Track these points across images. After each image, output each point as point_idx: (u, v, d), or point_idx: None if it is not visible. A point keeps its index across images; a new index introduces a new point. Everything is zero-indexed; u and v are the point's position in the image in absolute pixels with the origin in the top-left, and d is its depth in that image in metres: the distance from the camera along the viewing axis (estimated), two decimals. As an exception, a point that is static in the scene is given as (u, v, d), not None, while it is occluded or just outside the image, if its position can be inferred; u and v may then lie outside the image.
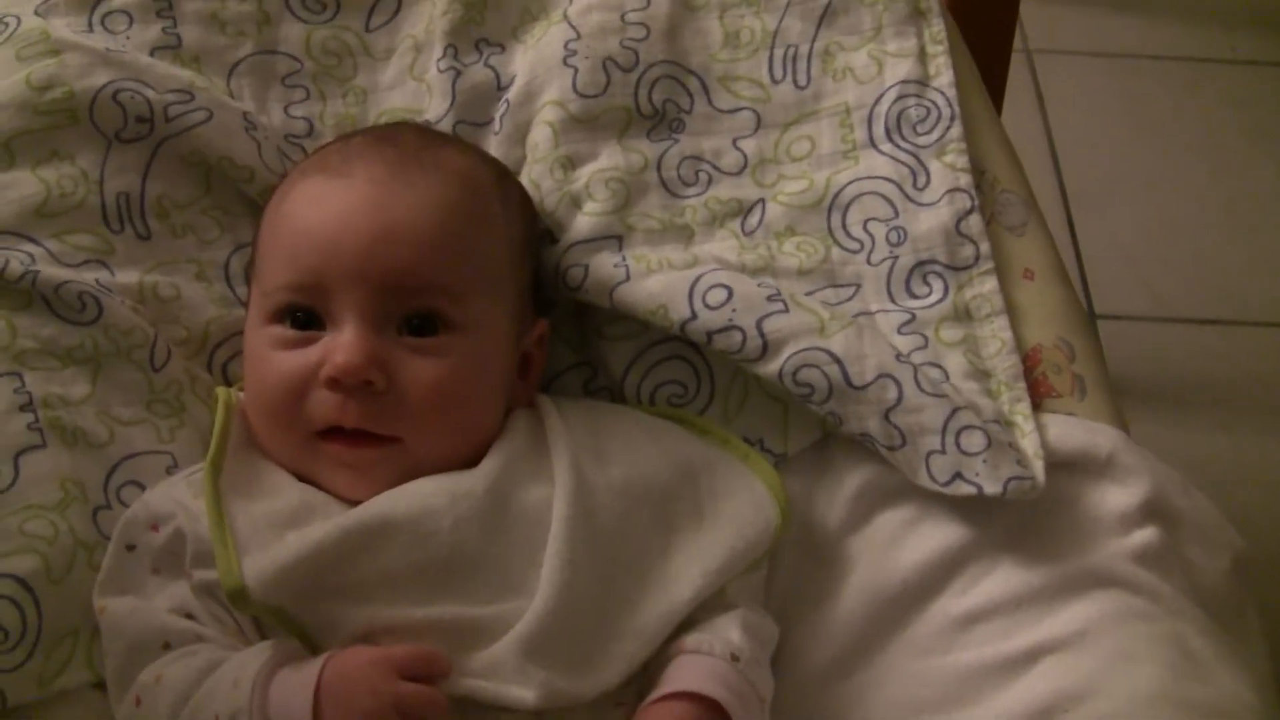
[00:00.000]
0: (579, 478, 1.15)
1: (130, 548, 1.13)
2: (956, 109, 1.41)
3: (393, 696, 1.01)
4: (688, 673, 1.10)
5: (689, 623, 1.15)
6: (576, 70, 1.41)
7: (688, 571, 1.15)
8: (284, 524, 1.11)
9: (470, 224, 1.22)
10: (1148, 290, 2.70)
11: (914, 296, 1.33)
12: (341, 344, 1.14)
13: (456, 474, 1.15)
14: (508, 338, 1.24)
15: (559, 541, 1.11)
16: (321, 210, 1.19)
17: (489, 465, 1.16)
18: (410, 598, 1.09)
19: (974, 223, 1.35)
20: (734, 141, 1.43)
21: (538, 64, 1.44)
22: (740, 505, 1.21)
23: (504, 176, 1.33)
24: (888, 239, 1.35)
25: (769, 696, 1.14)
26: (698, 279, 1.27)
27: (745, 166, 1.42)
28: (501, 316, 1.23)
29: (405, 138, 1.28)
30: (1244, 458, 2.46)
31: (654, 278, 1.29)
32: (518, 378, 1.26)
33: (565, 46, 1.43)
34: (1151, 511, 1.22)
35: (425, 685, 1.03)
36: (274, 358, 1.17)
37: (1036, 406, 1.28)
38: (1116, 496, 1.23)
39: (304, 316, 1.17)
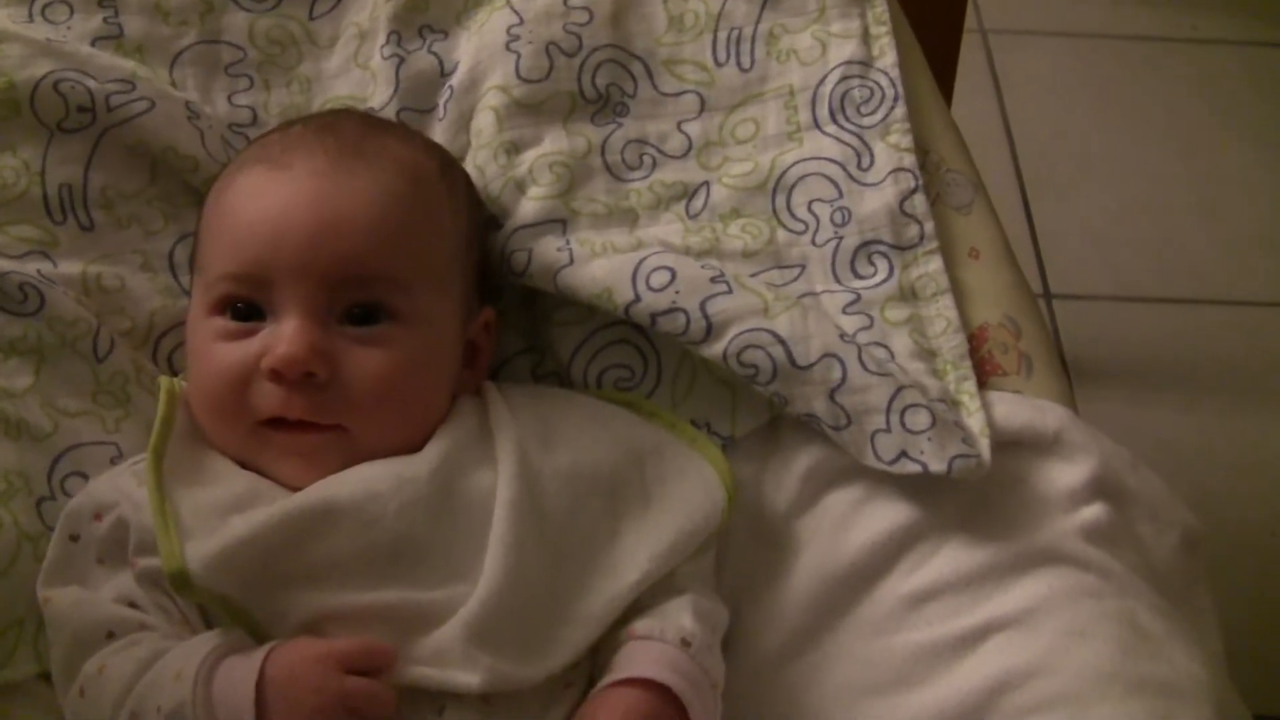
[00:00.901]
0: (523, 463, 1.15)
1: (74, 538, 1.13)
2: (900, 89, 1.41)
3: (338, 693, 1.01)
4: (640, 659, 1.10)
5: (640, 607, 1.15)
6: (520, 55, 1.41)
7: (635, 555, 1.15)
8: (228, 509, 1.11)
9: (414, 214, 1.21)
10: (1109, 270, 2.71)
11: (859, 277, 1.33)
12: (283, 336, 1.14)
13: (402, 459, 1.15)
14: (453, 327, 1.23)
15: (502, 526, 1.11)
16: (263, 203, 1.19)
17: (433, 450, 1.16)
18: (356, 583, 1.08)
19: (918, 202, 1.35)
20: (678, 125, 1.43)
21: (481, 50, 1.43)
22: (687, 488, 1.21)
23: (448, 165, 1.32)
24: (832, 220, 1.35)
25: (721, 681, 1.14)
26: (641, 262, 1.27)
27: (690, 149, 1.42)
28: (447, 306, 1.22)
29: (346, 127, 1.27)
30: (1207, 437, 2.47)
31: (598, 261, 1.28)
32: (464, 366, 1.25)
33: (508, 32, 1.42)
34: (1100, 488, 1.22)
35: (370, 679, 1.02)
36: (216, 350, 1.17)
37: (983, 385, 1.28)
38: (1064, 474, 1.23)
39: (245, 308, 1.17)
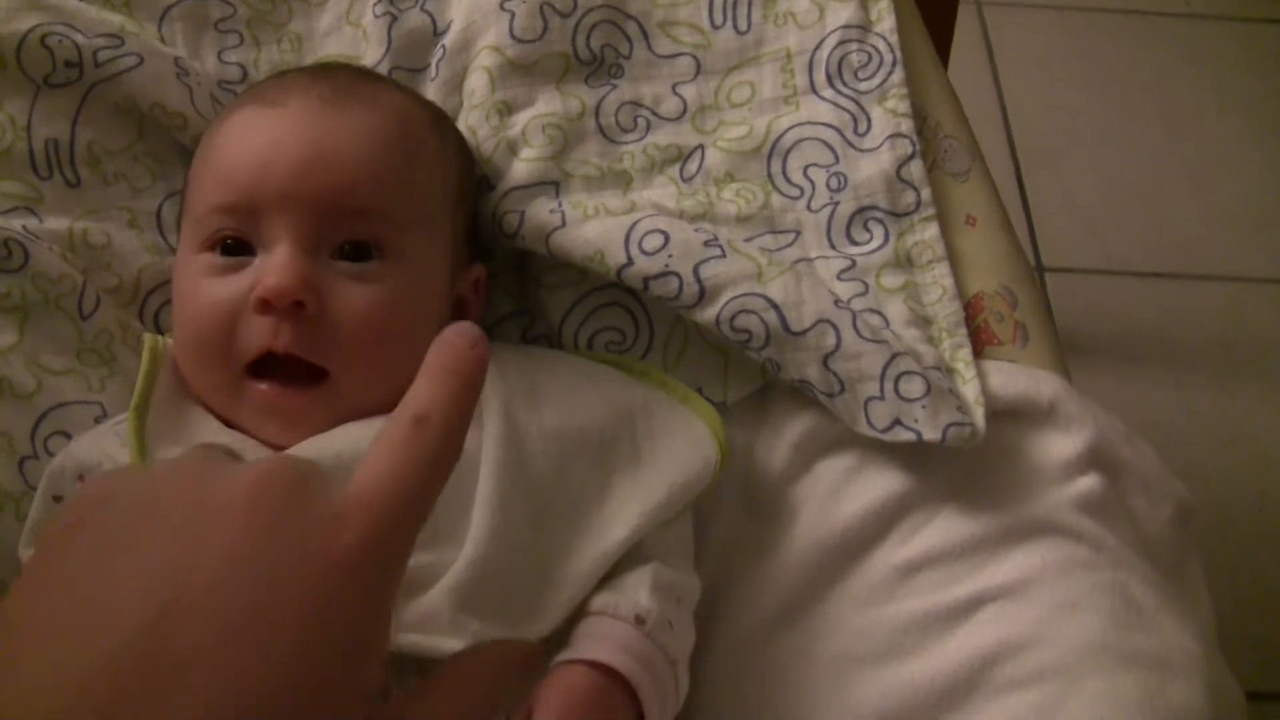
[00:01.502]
0: (510, 422, 1.13)
1: (57, 499, 1.11)
2: (898, 54, 1.39)
3: None
4: (590, 638, 1.08)
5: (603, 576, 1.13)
6: (514, 15, 1.39)
7: (624, 511, 1.14)
8: None
9: (406, 155, 1.20)
10: (1100, 244, 2.72)
11: (854, 243, 1.32)
12: (272, 266, 1.12)
13: (386, 417, 1.13)
14: (442, 277, 1.22)
15: (488, 486, 1.09)
16: (254, 135, 1.18)
17: None
18: None
19: (915, 169, 1.34)
20: (673, 87, 1.41)
21: (474, 9, 1.41)
22: (679, 443, 1.20)
23: (441, 118, 1.32)
24: (828, 185, 1.34)
25: (683, 656, 1.12)
26: (634, 225, 1.26)
27: (685, 112, 1.40)
28: (436, 253, 1.21)
29: (340, 74, 1.27)
30: (1196, 412, 2.48)
31: (591, 224, 1.27)
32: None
33: (502, -9, 1.41)
34: (1094, 459, 1.21)
35: None
36: (204, 286, 1.15)
37: (978, 354, 1.27)
38: (1059, 444, 1.22)
39: (234, 243, 1.16)
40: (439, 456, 0.75)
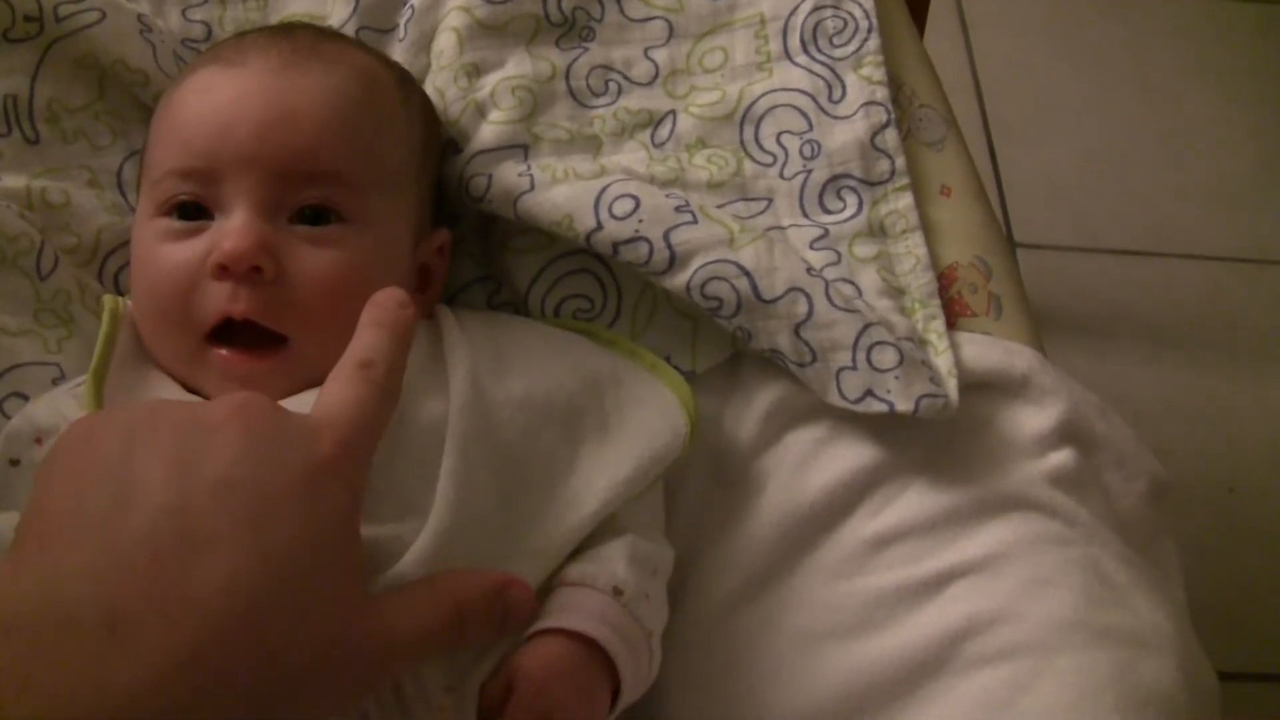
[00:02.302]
0: (475, 391, 1.11)
1: (14, 462, 1.09)
2: (874, 21, 1.38)
3: None
4: (567, 608, 1.07)
5: (577, 549, 1.11)
6: (484, -26, 1.37)
7: (593, 485, 1.12)
8: None
9: (368, 116, 1.18)
10: (1073, 220, 2.72)
11: (827, 211, 1.30)
12: (229, 231, 1.10)
13: None
14: (404, 238, 1.20)
15: (453, 457, 1.06)
16: (213, 97, 1.16)
17: None
18: None
19: (890, 137, 1.32)
20: (645, 51, 1.39)
21: (444, -31, 1.40)
22: (648, 414, 1.18)
23: (405, 79, 1.30)
24: (801, 152, 1.32)
25: (658, 629, 1.11)
26: (604, 189, 1.24)
27: (656, 77, 1.38)
28: (398, 216, 1.19)
29: (302, 33, 1.25)
30: (1168, 390, 2.48)
31: (560, 188, 1.25)
32: (417, 290, 1.22)
33: (473, -50, 1.39)
34: (1068, 434, 1.20)
35: None
36: (161, 251, 1.13)
37: (951, 325, 1.25)
38: (1032, 418, 1.21)
39: (192, 207, 1.14)
40: (384, 394, 0.93)
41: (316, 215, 1.13)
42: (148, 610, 0.75)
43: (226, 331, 1.12)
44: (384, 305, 0.99)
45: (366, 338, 0.97)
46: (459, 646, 0.97)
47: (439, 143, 1.31)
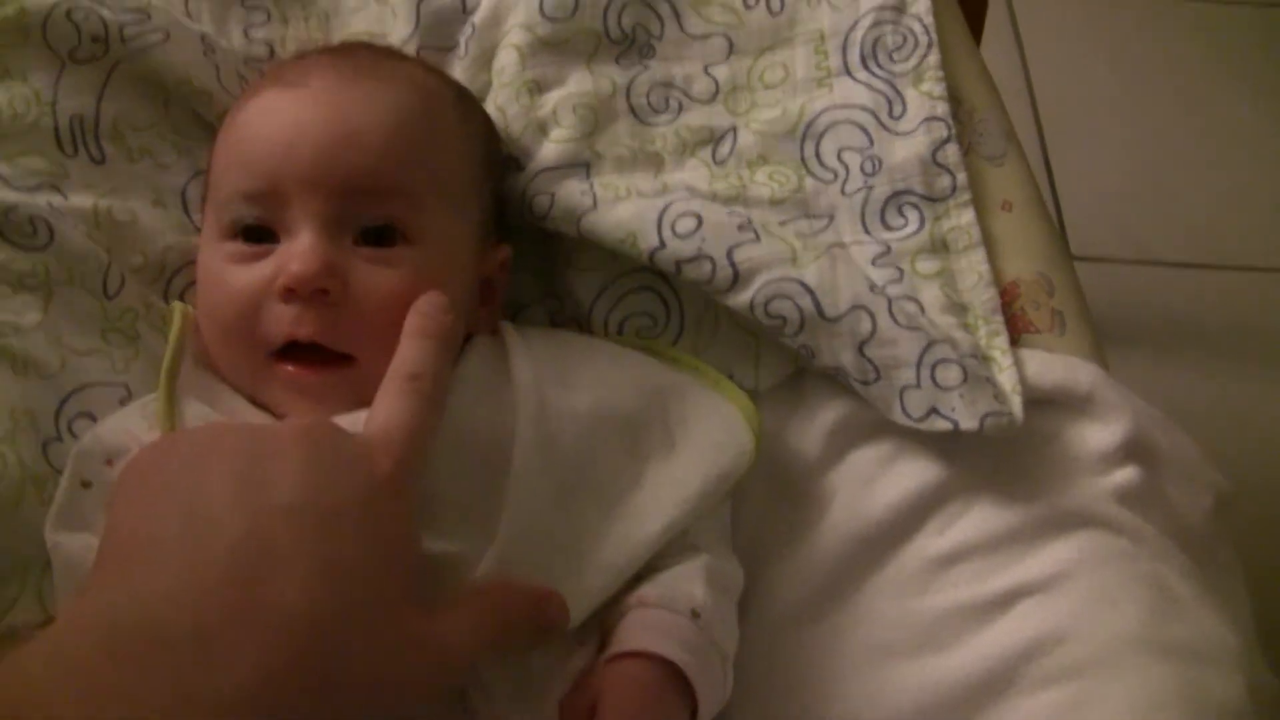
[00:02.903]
0: (541, 406, 1.12)
1: (86, 484, 1.09)
2: (934, 36, 1.38)
3: None
4: (646, 630, 1.07)
5: (652, 567, 1.11)
6: (544, -8, 1.38)
7: (660, 501, 1.12)
8: None
9: (429, 133, 1.19)
10: (1125, 232, 2.71)
11: (889, 228, 1.30)
12: (296, 253, 1.11)
13: None
14: (467, 254, 1.20)
15: (521, 473, 1.07)
16: (276, 118, 1.16)
17: (451, 392, 1.13)
18: None
19: (951, 152, 1.32)
20: (705, 68, 1.40)
21: (504, -15, 1.40)
22: (713, 430, 1.18)
23: (464, 95, 1.30)
24: (862, 169, 1.32)
25: (732, 651, 1.11)
26: (667, 207, 1.24)
27: (717, 93, 1.39)
28: (460, 232, 1.20)
29: (362, 53, 1.26)
30: (1222, 402, 2.46)
31: (622, 206, 1.26)
32: (480, 304, 1.23)
33: (533, -33, 1.39)
34: (1132, 450, 1.20)
35: None
36: (227, 273, 1.14)
37: (1014, 342, 1.25)
38: (1097, 434, 1.21)
39: (257, 230, 1.14)
40: (432, 404, 0.97)
41: (380, 234, 1.14)
42: (232, 625, 0.78)
43: (293, 348, 1.13)
44: (426, 313, 1.03)
45: (412, 348, 1.01)
46: (500, 657, 1.00)
47: (499, 158, 1.31)
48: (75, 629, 0.80)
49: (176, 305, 1.19)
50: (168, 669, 0.76)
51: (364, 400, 1.08)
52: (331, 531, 0.85)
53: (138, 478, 0.90)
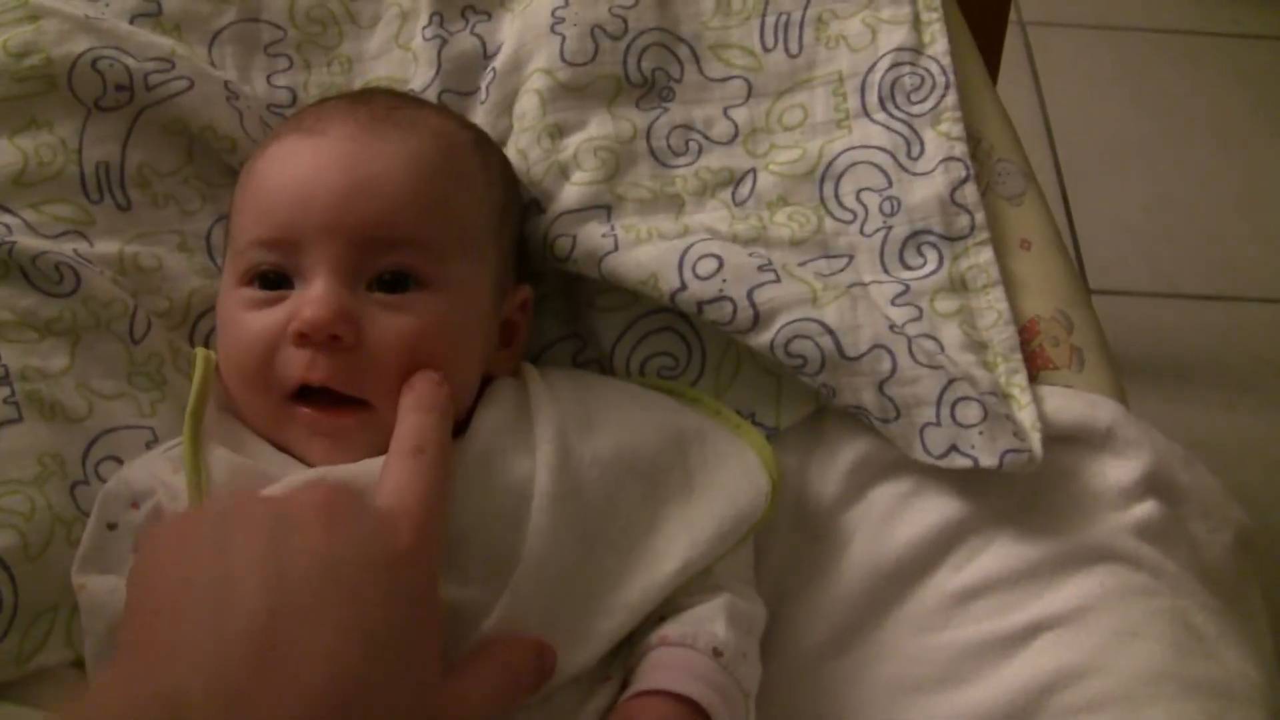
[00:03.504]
0: (562, 449, 1.12)
1: (111, 526, 1.10)
2: (952, 77, 1.39)
3: None
4: (669, 669, 1.08)
5: (675, 606, 1.12)
6: (564, 38, 1.39)
7: (674, 544, 1.12)
8: (261, 483, 1.08)
9: (446, 180, 1.19)
10: (1148, 265, 2.70)
11: (908, 267, 1.31)
12: (309, 299, 1.12)
13: None
14: (485, 299, 1.21)
15: (541, 517, 1.08)
16: (293, 166, 1.17)
17: (473, 435, 1.13)
18: None
19: (969, 192, 1.33)
20: (725, 110, 1.40)
21: (525, 31, 1.41)
22: (731, 475, 1.19)
23: (483, 140, 1.31)
24: (881, 209, 1.33)
25: (754, 689, 1.12)
26: (688, 249, 1.25)
27: (736, 136, 1.39)
28: (479, 277, 1.20)
29: (380, 99, 1.26)
30: (1246, 435, 2.46)
31: (643, 248, 1.26)
32: (501, 346, 1.23)
33: (553, 14, 1.40)
34: (1153, 485, 1.20)
35: None
36: (244, 319, 1.15)
37: (1033, 379, 1.26)
38: (1117, 469, 1.21)
39: (274, 276, 1.15)
40: (442, 473, 1.00)
41: (395, 281, 1.14)
42: (256, 696, 0.80)
43: (309, 391, 1.13)
44: (420, 390, 1.08)
45: (411, 423, 1.04)
46: (509, 709, 1.00)
47: (519, 201, 1.32)
48: (99, 707, 0.82)
49: (200, 351, 1.19)
50: None
51: (382, 445, 1.09)
52: (355, 601, 0.86)
53: (162, 551, 0.91)
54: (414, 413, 1.05)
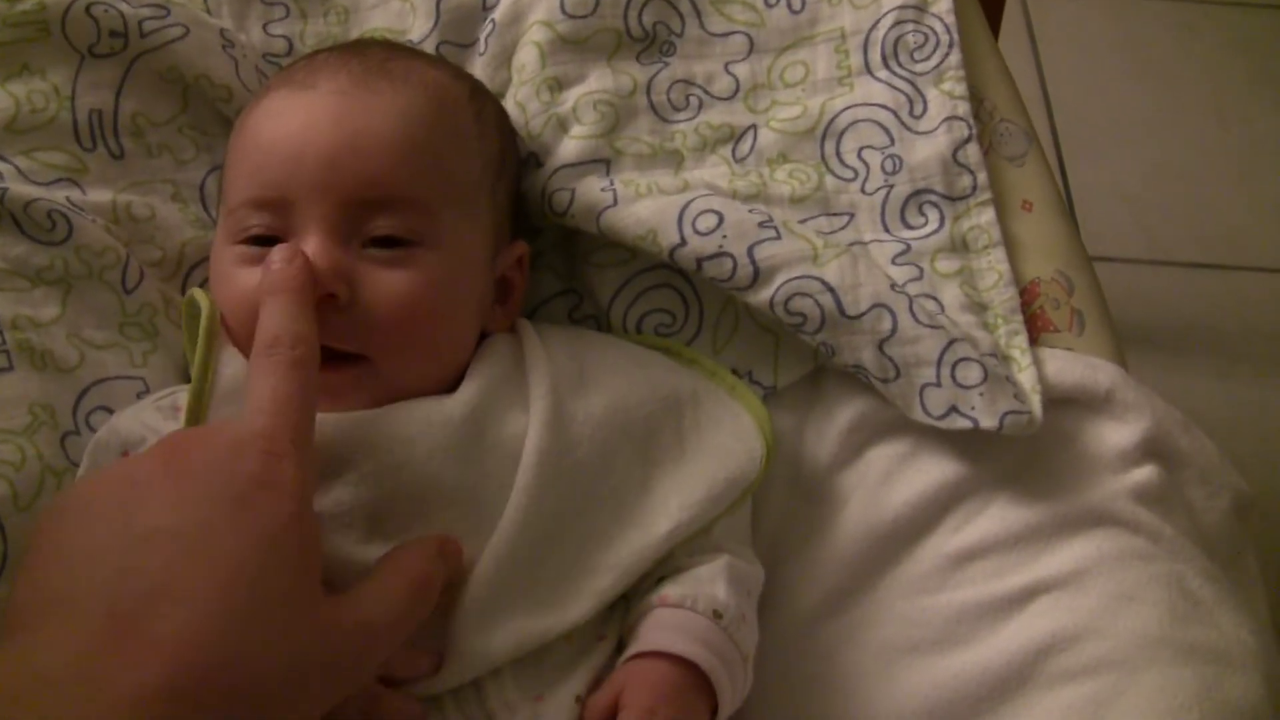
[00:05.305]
0: (556, 408, 1.12)
1: None
2: (955, 35, 1.38)
3: (366, 698, 0.99)
4: (668, 630, 1.07)
5: (675, 567, 1.12)
6: (565, -10, 1.38)
7: (666, 505, 1.12)
8: None
9: (439, 134, 1.18)
10: (1144, 233, 2.70)
11: (909, 227, 1.30)
12: None
13: (433, 399, 1.11)
14: (481, 255, 1.20)
15: (528, 475, 1.07)
16: (284, 123, 1.15)
17: (467, 391, 1.12)
18: (384, 530, 1.04)
19: (971, 152, 1.32)
20: (726, 66, 1.39)
21: (525, -17, 1.40)
22: (724, 437, 1.18)
23: (478, 91, 1.29)
24: (883, 168, 1.32)
25: (752, 650, 1.11)
26: (688, 204, 1.24)
27: (737, 91, 1.38)
28: (473, 233, 1.19)
29: (372, 50, 1.25)
30: (1240, 404, 2.46)
31: (643, 203, 1.25)
32: (497, 302, 1.23)
33: (553, -35, 1.39)
34: (1151, 449, 1.20)
35: (401, 690, 1.02)
36: (237, 276, 1.13)
37: (1034, 341, 1.26)
38: (1116, 433, 1.20)
39: (266, 236, 1.13)
40: (298, 367, 0.96)
41: (388, 239, 1.13)
42: (114, 654, 0.79)
43: None
44: (273, 269, 1.05)
45: (265, 312, 1.01)
46: (423, 617, 0.97)
47: (516, 154, 1.30)
48: None
49: (196, 291, 1.16)
50: (50, 705, 0.77)
51: (382, 397, 1.08)
52: (205, 544, 0.85)
53: (41, 526, 0.90)
54: (267, 298, 1.02)
